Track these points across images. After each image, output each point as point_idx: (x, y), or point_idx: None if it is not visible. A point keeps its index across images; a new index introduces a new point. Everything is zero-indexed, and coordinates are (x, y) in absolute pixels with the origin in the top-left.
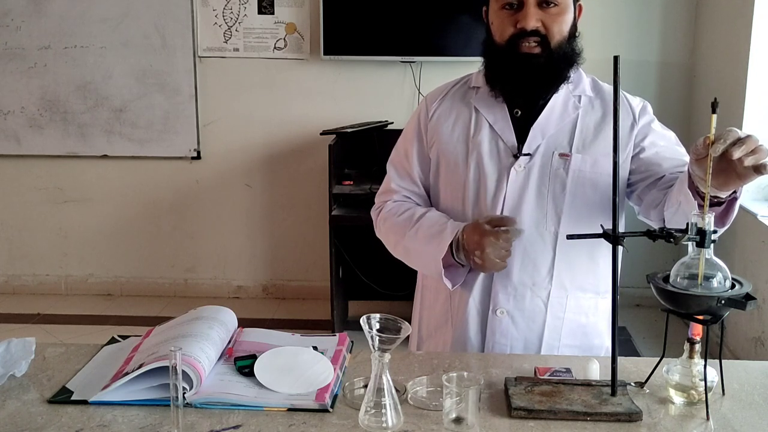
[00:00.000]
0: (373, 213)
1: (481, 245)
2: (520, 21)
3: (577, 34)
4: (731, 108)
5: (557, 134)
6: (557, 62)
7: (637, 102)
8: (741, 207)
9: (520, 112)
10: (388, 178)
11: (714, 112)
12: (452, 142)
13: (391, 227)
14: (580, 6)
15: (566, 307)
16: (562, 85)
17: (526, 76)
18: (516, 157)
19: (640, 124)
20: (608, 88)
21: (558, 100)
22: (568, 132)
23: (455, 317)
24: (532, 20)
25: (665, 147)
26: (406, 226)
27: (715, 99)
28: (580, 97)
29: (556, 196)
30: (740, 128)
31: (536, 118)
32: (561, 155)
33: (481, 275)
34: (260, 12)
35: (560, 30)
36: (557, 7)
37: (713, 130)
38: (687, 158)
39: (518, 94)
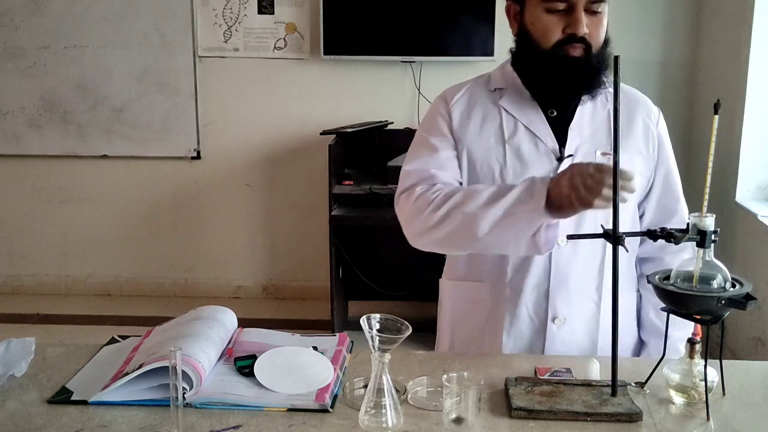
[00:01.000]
0: (404, 197)
1: (572, 181)
2: (571, 26)
3: (608, 38)
4: (732, 108)
5: (594, 133)
6: (599, 66)
7: (654, 109)
8: (741, 207)
9: (555, 113)
10: (416, 170)
11: (716, 113)
12: (485, 146)
13: (456, 205)
14: None
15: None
16: (600, 89)
17: (571, 79)
18: (560, 159)
19: (657, 140)
20: (626, 87)
21: (587, 100)
22: (604, 130)
23: (501, 327)
24: (583, 26)
25: (664, 192)
26: (480, 199)
27: (718, 100)
28: (605, 94)
29: None
30: (740, 128)
31: (568, 118)
32: (603, 153)
33: (534, 283)
34: (260, 12)
35: (601, 36)
36: (601, 14)
37: (714, 131)
38: (679, 205)
39: (560, 97)
